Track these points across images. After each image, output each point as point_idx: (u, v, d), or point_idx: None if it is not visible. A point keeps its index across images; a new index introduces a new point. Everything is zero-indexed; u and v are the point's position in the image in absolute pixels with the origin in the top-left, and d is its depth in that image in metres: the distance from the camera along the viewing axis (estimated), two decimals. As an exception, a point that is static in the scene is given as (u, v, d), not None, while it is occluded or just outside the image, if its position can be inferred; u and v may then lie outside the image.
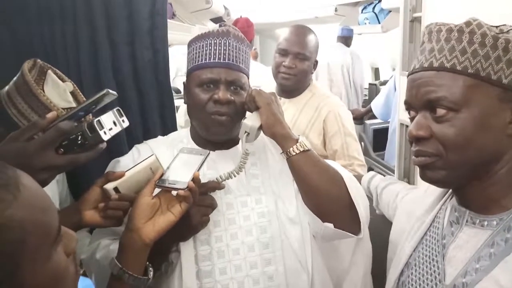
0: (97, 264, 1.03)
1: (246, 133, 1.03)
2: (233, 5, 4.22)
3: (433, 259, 0.75)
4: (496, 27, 0.69)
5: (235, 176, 1.02)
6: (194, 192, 0.88)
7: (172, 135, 1.21)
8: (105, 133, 0.79)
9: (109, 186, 0.90)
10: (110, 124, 0.82)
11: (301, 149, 1.00)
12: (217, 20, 3.89)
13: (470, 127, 0.67)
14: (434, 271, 0.74)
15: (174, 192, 0.88)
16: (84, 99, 1.13)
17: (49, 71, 1.09)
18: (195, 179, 0.88)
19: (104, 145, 0.81)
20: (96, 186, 0.91)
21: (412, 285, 0.79)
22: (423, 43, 0.74)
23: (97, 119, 0.78)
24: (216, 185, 1.00)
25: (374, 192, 1.39)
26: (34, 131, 0.75)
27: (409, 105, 0.74)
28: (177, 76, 4.34)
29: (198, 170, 0.89)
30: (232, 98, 1.05)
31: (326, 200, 1.01)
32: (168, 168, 0.91)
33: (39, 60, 1.10)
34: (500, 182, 0.69)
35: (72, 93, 1.11)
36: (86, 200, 0.90)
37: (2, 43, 1.31)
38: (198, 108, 1.06)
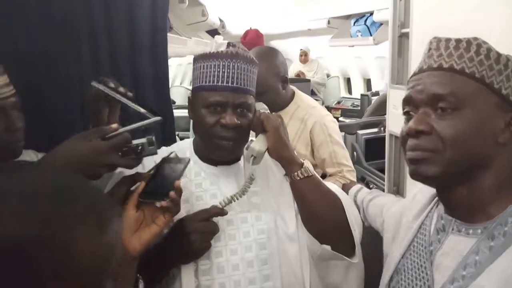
0: None
1: (253, 157, 1.03)
2: (228, 18, 4.30)
3: (421, 265, 0.79)
4: None
5: (237, 199, 1.03)
6: (176, 202, 0.90)
7: (175, 146, 1.21)
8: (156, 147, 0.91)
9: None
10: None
11: (305, 175, 1.03)
12: (212, 32, 3.95)
13: (469, 126, 0.71)
14: (423, 277, 0.78)
15: (158, 203, 0.91)
16: None
17: None
18: (177, 189, 0.90)
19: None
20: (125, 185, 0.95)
21: None
22: (429, 50, 0.78)
23: (152, 136, 0.91)
24: (220, 212, 1.00)
25: (361, 205, 1.42)
26: (99, 135, 0.86)
27: (411, 101, 0.77)
28: (172, 87, 4.38)
29: (179, 179, 0.91)
30: (239, 122, 1.04)
31: (325, 224, 1.04)
32: (150, 179, 0.93)
33: None
34: (486, 188, 0.73)
35: None
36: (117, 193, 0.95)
37: (4, 57, 1.33)
38: (204, 129, 1.06)
